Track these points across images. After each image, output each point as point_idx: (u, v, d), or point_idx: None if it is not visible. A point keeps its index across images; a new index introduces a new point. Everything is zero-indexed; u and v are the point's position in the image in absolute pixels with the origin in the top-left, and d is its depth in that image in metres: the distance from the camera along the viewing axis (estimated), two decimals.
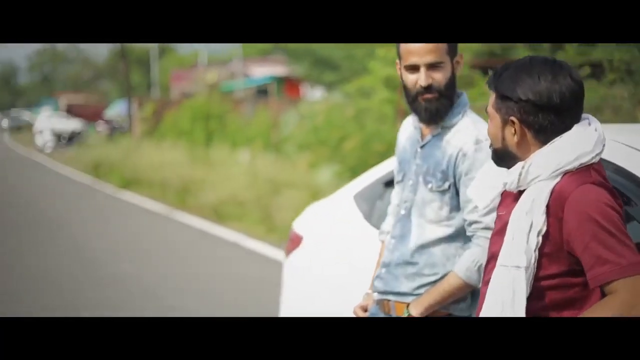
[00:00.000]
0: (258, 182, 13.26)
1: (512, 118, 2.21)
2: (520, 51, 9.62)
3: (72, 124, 41.14)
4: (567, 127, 2.19)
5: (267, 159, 15.49)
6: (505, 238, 2.20)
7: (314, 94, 26.49)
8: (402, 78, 2.88)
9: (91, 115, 50.45)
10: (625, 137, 2.69)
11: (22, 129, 62.58)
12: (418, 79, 2.79)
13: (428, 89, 2.79)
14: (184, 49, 76.08)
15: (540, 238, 2.14)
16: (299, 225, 4.20)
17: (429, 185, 2.84)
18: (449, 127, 2.86)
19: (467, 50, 12.42)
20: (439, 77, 2.80)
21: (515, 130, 2.21)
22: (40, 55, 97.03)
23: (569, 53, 6.99)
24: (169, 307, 7.42)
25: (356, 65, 17.47)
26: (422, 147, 2.91)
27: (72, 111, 52.95)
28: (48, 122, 39.84)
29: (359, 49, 17.33)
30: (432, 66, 2.79)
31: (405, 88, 2.86)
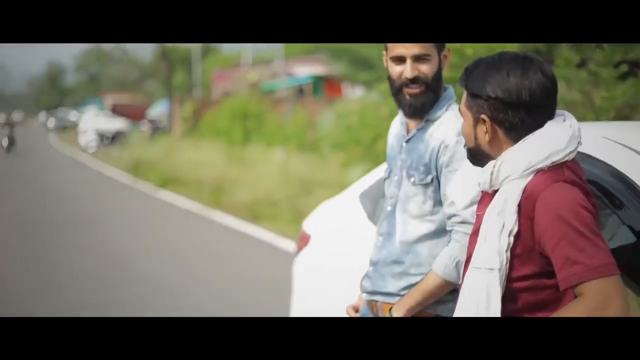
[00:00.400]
0: (291, 181, 13.24)
1: (483, 116, 2.15)
2: (564, 50, 9.47)
3: (116, 124, 41.53)
4: (540, 124, 2.13)
5: (301, 159, 15.47)
6: (478, 239, 2.15)
7: (354, 93, 26.37)
8: (387, 69, 2.82)
9: (135, 115, 50.99)
10: (622, 135, 2.61)
11: (67, 128, 63.49)
12: (404, 71, 2.74)
13: (414, 81, 2.73)
14: (228, 49, 76.48)
15: (512, 239, 2.08)
16: (307, 224, 4.19)
17: (412, 179, 2.79)
18: (433, 121, 2.81)
19: (511, 49, 12.29)
20: (426, 70, 2.74)
21: (486, 128, 2.16)
22: (86, 56, 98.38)
23: (607, 51, 6.85)
24: (194, 306, 7.41)
25: None
26: (407, 141, 2.87)
27: (117, 111, 53.55)
28: (92, 122, 40.25)
29: None
30: (418, 58, 2.73)
31: (390, 79, 2.82)
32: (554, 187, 2.05)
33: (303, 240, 4.09)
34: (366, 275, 2.95)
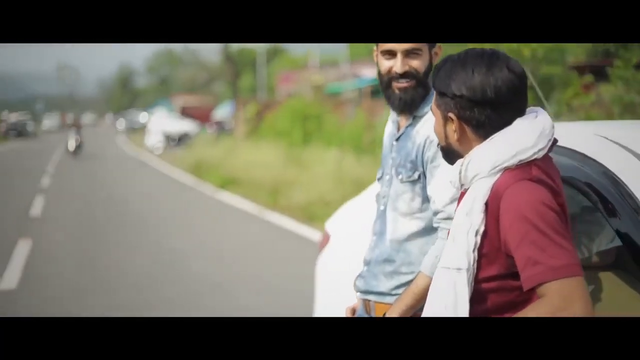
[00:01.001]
0: (345, 183, 13.20)
1: (450, 114, 2.12)
2: (636, 50, 9.27)
3: (183, 126, 42.07)
4: (509, 121, 2.09)
5: (357, 160, 15.42)
6: (448, 238, 2.12)
7: None
8: (377, 64, 2.80)
9: (203, 116, 51.59)
10: (619, 133, 2.53)
11: (136, 130, 64.65)
12: (394, 65, 2.71)
13: (403, 75, 2.71)
14: (295, 51, 76.80)
15: (479, 238, 2.04)
16: (328, 224, 4.22)
17: (400, 177, 2.77)
18: (421, 117, 2.78)
19: (581, 49, 12.05)
20: (416, 65, 2.71)
21: (455, 127, 2.13)
22: (157, 58, 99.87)
23: None
24: (244, 306, 7.43)
25: None
26: (397, 139, 2.85)
27: (185, 113, 54.24)
28: (160, 123, 40.86)
29: (455, 48, 17.06)
30: (409, 53, 2.70)
31: (379, 74, 2.79)
32: (518, 185, 2.01)
33: (324, 241, 4.11)
34: (360, 275, 2.94)
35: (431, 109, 2.22)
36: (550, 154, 2.44)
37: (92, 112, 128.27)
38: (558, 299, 1.89)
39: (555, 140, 2.16)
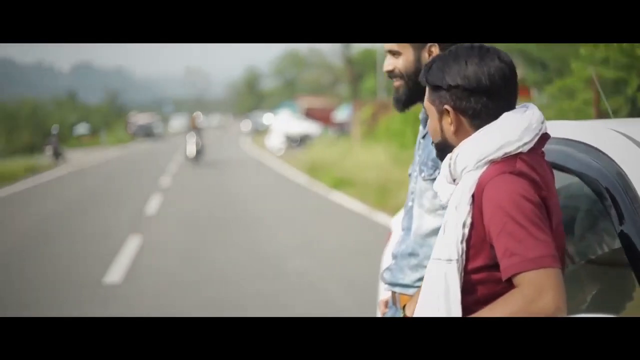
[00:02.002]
0: None
1: (446, 107, 2.16)
2: None
3: (305, 127, 42.55)
4: (502, 111, 2.13)
5: None
6: (440, 231, 2.16)
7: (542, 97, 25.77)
8: None
9: (325, 118, 51.98)
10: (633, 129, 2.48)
11: (261, 131, 65.88)
12: None
13: (391, 75, 2.78)
14: None
15: (467, 230, 2.07)
16: (393, 221, 4.24)
17: (423, 174, 2.79)
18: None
19: None
20: (399, 64, 2.76)
21: (451, 119, 2.16)
22: (283, 61, 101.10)
23: None
24: (331, 305, 7.50)
25: (562, 65, 16.85)
26: (423, 137, 2.87)
27: (309, 114, 54.82)
28: (283, 125, 41.47)
29: (565, 48, 16.68)
30: (393, 53, 2.77)
31: None
32: (500, 178, 2.04)
33: (388, 236, 4.15)
34: (387, 268, 2.98)
35: (424, 107, 2.25)
36: (561, 146, 2.46)
37: (219, 114, 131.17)
38: (530, 289, 1.92)
39: (545, 135, 2.17)
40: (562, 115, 13.54)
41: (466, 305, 2.08)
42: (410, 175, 2.96)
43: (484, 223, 2.05)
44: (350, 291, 8.09)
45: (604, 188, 2.30)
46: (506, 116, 2.12)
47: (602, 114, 12.30)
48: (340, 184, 18.69)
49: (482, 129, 2.12)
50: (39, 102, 55.69)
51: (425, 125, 2.87)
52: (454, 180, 2.17)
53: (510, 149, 2.07)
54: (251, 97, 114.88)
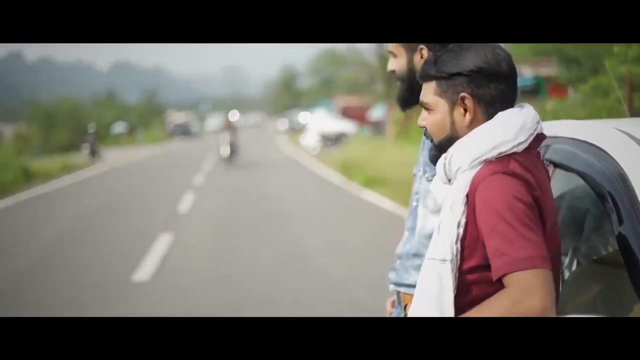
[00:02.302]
0: None
1: (464, 94, 2.13)
2: None
3: (340, 126, 42.55)
4: (513, 102, 2.15)
5: None
6: (434, 231, 2.16)
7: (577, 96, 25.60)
8: None
9: (361, 116, 51.95)
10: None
11: (297, 129, 66.10)
12: None
13: (392, 74, 2.85)
14: None
15: (461, 230, 2.07)
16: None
17: (426, 175, 2.80)
18: None
19: None
20: (394, 65, 2.83)
21: (467, 107, 2.14)
22: (320, 59, 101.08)
23: None
24: (354, 305, 7.52)
25: (596, 63, 16.70)
26: (427, 137, 2.83)
27: (345, 113, 54.85)
28: (318, 123, 41.54)
29: (598, 46, 16.53)
30: (392, 54, 2.83)
31: None
32: (492, 178, 2.03)
33: (400, 236, 4.11)
34: (393, 268, 3.00)
35: (423, 104, 2.22)
36: (567, 146, 2.46)
37: (256, 113, 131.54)
38: (517, 290, 1.92)
39: (541, 135, 2.16)
40: (595, 114, 13.41)
41: (459, 306, 2.08)
42: (414, 175, 2.97)
43: (477, 223, 2.05)
44: (375, 290, 8.09)
45: (604, 189, 2.29)
46: (501, 116, 2.12)
47: (635, 112, 12.19)
48: (372, 182, 18.67)
49: (476, 128, 2.12)
50: (77, 101, 56.24)
51: None
52: (449, 181, 2.17)
53: (504, 148, 2.07)
54: (288, 96, 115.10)
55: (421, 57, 2.77)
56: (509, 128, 2.09)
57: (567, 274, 2.66)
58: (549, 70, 34.29)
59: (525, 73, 37.54)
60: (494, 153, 2.07)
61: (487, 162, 2.08)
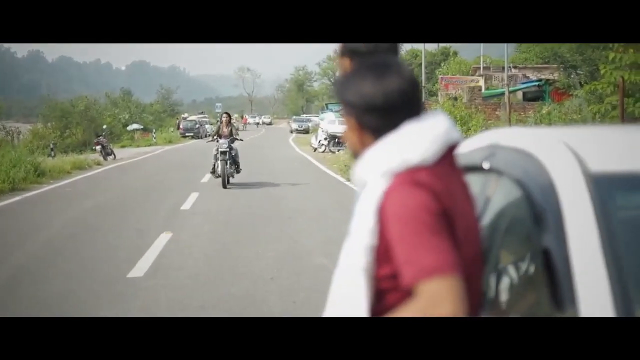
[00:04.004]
0: None
1: (351, 121, 2.21)
2: None
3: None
4: (409, 119, 2.16)
5: None
6: (346, 238, 2.18)
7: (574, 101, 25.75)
8: None
9: None
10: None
11: (307, 130, 66.39)
12: None
13: None
14: (468, 54, 75.66)
15: (373, 238, 2.07)
16: None
17: None
18: None
19: None
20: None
21: (356, 132, 2.22)
22: (330, 61, 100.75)
23: None
24: None
25: (593, 69, 16.81)
26: None
27: None
28: (327, 125, 41.65)
29: (595, 52, 16.62)
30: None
31: None
32: (399, 189, 2.04)
33: None
34: None
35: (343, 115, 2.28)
36: (509, 154, 2.50)
37: (268, 113, 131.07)
38: (425, 299, 1.89)
39: (454, 145, 2.19)
40: (589, 119, 13.53)
41: (377, 314, 2.09)
42: None
43: (385, 233, 2.04)
44: None
45: (532, 196, 2.31)
46: (408, 128, 2.13)
47: (628, 117, 12.31)
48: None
49: (384, 139, 2.14)
50: (93, 100, 56.11)
51: None
52: (360, 186, 2.19)
53: (413, 162, 2.08)
54: (299, 97, 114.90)
55: (342, 66, 2.85)
56: (415, 141, 2.10)
57: (514, 279, 2.53)
58: (551, 75, 34.28)
59: (531, 77, 37.61)
60: (403, 164, 2.08)
61: (397, 173, 2.08)
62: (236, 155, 19.80)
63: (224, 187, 18.96)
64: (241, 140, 20.16)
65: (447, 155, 2.17)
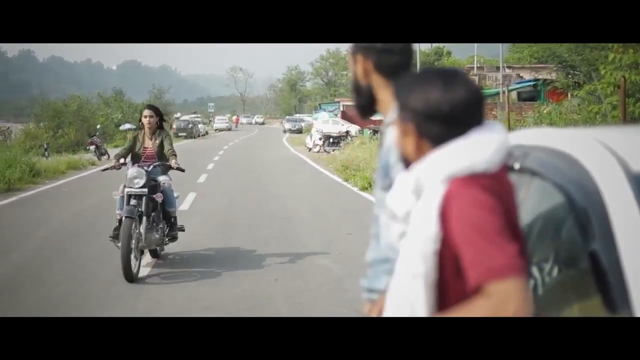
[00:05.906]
0: None
1: (408, 127, 2.16)
2: None
3: (342, 128, 42.72)
4: (464, 134, 2.12)
5: None
6: (403, 246, 2.16)
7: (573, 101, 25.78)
8: None
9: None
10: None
11: (300, 130, 66.53)
12: None
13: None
14: (462, 54, 75.90)
15: (435, 244, 2.06)
16: None
17: (379, 183, 2.80)
18: (388, 124, 2.76)
19: None
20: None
21: (413, 139, 2.16)
22: (323, 61, 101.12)
23: None
24: (353, 302, 7.63)
25: (592, 69, 16.84)
26: (381, 147, 2.86)
27: (346, 116, 55.09)
28: (321, 125, 41.75)
29: (594, 53, 16.64)
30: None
31: None
32: (464, 192, 2.04)
33: None
34: (364, 276, 2.99)
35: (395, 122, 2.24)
36: (544, 155, 2.47)
37: (261, 114, 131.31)
38: (494, 299, 1.89)
39: (512, 155, 2.19)
40: (589, 119, 13.55)
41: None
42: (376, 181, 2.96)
43: (450, 236, 2.03)
44: None
45: (577, 201, 2.28)
46: (475, 137, 2.12)
47: (628, 117, 12.31)
48: (371, 185, 18.76)
49: (451, 144, 2.11)
50: (85, 100, 56.12)
51: (384, 136, 2.84)
52: (419, 194, 2.15)
53: (479, 169, 2.07)
54: (292, 97, 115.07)
55: (355, 63, 2.80)
56: (485, 149, 2.09)
57: (547, 280, 2.60)
58: (549, 75, 34.43)
59: (526, 77, 37.75)
60: (468, 172, 2.06)
61: (456, 178, 2.07)
62: (168, 198, 9.84)
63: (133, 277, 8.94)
64: (182, 170, 9.96)
65: (504, 166, 2.17)
